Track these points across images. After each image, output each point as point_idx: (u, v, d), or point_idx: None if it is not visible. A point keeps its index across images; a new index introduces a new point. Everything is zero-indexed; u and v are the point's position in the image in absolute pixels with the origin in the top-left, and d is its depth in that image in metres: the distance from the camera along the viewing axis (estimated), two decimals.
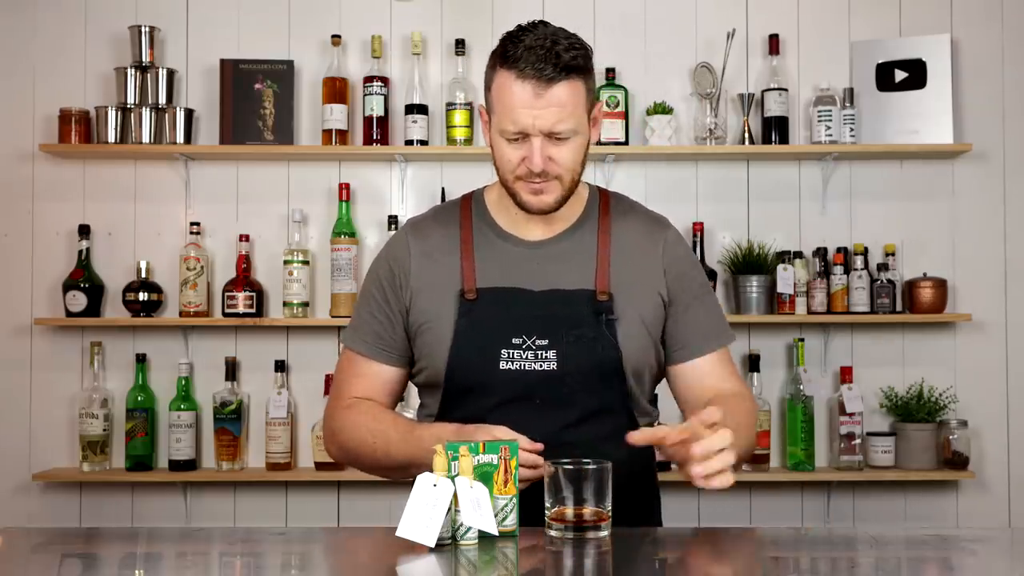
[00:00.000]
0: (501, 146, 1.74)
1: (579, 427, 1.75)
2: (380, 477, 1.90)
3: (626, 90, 3.38)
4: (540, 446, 1.62)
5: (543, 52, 1.67)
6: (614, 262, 1.82)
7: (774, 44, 3.43)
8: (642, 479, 1.89)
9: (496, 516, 1.47)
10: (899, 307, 3.37)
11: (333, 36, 3.39)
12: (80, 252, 3.36)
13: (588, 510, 1.48)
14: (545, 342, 1.76)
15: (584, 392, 1.76)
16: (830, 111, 3.36)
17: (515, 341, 1.76)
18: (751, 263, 3.35)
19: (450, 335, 1.77)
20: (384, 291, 1.86)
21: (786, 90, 3.40)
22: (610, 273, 1.81)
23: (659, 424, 1.97)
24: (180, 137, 3.36)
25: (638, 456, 1.83)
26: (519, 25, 1.75)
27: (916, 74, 3.38)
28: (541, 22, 1.75)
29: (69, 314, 3.32)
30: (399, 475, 1.81)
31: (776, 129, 3.38)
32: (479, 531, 1.45)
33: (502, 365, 1.76)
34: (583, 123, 1.73)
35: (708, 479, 1.48)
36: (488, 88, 1.76)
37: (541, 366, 1.75)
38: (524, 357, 1.76)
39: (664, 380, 1.92)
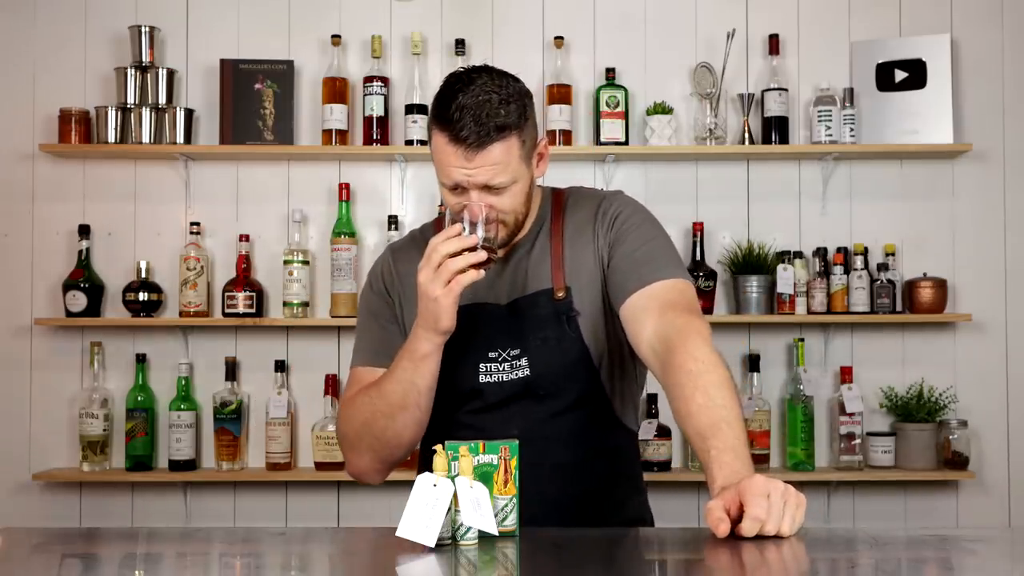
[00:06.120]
0: (444, 192, 1.79)
1: (555, 421, 1.79)
2: (389, 440, 1.81)
3: (626, 90, 3.38)
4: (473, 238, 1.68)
5: (475, 113, 1.68)
6: (568, 256, 1.84)
7: (774, 44, 3.43)
8: (626, 476, 1.92)
9: (496, 516, 1.47)
10: (899, 307, 3.37)
11: (333, 36, 3.39)
12: (80, 252, 3.36)
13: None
14: (517, 351, 1.82)
15: (557, 390, 1.81)
16: (830, 111, 3.36)
17: (491, 355, 1.82)
18: (751, 263, 3.35)
19: None
20: (379, 306, 1.91)
21: (786, 90, 3.40)
22: (565, 268, 1.83)
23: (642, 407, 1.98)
24: (180, 137, 3.36)
25: (620, 450, 1.89)
26: (457, 73, 1.74)
27: (916, 74, 3.38)
28: (476, 72, 1.73)
29: (69, 314, 3.32)
30: (404, 418, 1.77)
31: (776, 129, 3.38)
32: (479, 531, 1.45)
33: (481, 379, 1.82)
34: (520, 171, 1.75)
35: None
36: (428, 138, 1.78)
37: (517, 374, 1.81)
38: (501, 369, 1.82)
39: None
